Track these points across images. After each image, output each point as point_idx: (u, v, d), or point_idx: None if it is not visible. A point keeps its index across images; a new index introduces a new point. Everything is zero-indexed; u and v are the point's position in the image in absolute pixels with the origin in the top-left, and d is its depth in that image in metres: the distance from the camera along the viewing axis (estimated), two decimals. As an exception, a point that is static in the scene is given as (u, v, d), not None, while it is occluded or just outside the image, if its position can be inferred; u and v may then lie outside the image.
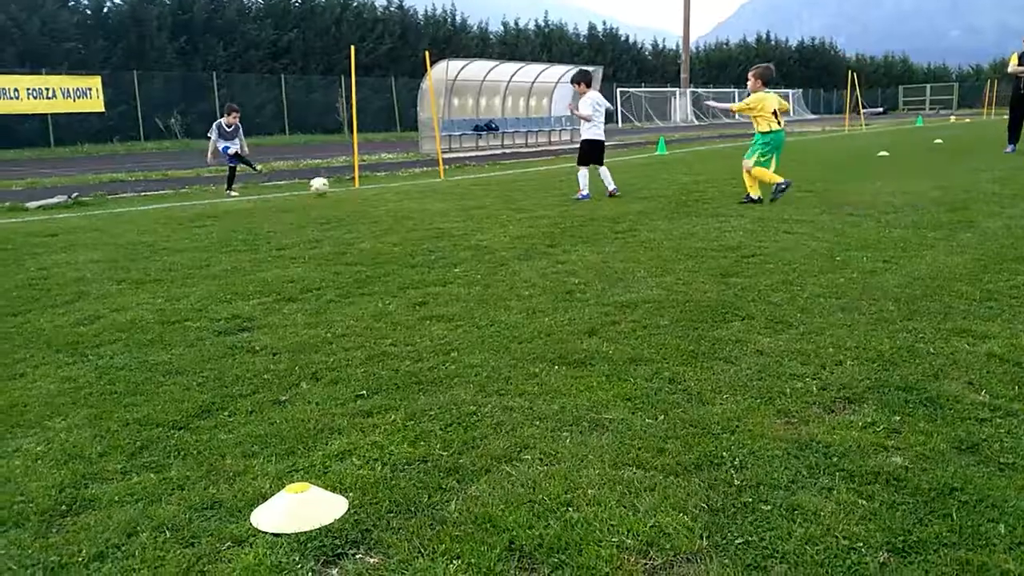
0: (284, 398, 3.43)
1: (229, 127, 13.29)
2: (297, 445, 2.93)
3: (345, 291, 5.44)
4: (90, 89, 31.97)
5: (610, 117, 52.67)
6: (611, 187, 10.74)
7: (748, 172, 9.35)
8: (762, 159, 9.31)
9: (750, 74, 9.42)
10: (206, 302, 5.24)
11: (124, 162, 22.71)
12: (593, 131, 10.85)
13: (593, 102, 10.84)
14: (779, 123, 9.35)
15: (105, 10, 36.70)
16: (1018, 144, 16.06)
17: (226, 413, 3.28)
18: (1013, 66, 15.84)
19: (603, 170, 10.88)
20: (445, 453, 2.82)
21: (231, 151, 13.33)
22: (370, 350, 4.06)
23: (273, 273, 6.13)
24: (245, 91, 39.24)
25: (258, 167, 14.79)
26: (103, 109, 32.21)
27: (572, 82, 11.69)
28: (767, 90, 9.41)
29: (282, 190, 13.65)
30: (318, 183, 12.76)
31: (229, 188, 13.43)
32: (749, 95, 9.53)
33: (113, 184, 15.50)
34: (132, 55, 35.51)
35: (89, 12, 36.34)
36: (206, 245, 7.60)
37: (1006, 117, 16.90)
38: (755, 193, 9.26)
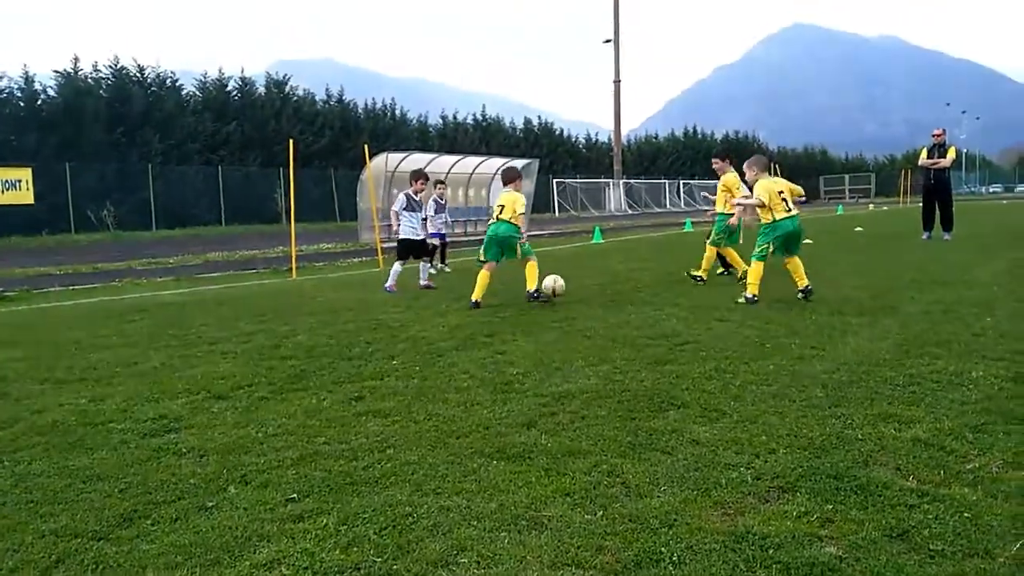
0: (211, 504, 3.29)
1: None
2: (223, 555, 2.81)
3: (278, 387, 5.32)
4: (20, 180, 31.39)
5: (547, 206, 53.72)
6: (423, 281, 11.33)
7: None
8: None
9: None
10: (132, 402, 5.06)
11: (54, 255, 22.14)
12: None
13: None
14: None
15: (39, 102, 36.40)
16: (932, 232, 16.93)
17: (149, 521, 3.13)
18: (923, 159, 16.94)
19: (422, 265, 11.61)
20: (379, 559, 2.73)
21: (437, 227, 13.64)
22: (302, 449, 3.95)
23: (203, 369, 5.97)
24: (182, 181, 39.04)
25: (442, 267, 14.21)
26: (32, 201, 31.58)
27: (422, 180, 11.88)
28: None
29: (217, 282, 13.44)
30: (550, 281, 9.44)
31: (442, 262, 14.08)
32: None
33: (40, 278, 15.05)
34: (67, 146, 35.10)
35: (22, 104, 35.97)
36: (135, 341, 7.39)
37: (920, 205, 17.88)
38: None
